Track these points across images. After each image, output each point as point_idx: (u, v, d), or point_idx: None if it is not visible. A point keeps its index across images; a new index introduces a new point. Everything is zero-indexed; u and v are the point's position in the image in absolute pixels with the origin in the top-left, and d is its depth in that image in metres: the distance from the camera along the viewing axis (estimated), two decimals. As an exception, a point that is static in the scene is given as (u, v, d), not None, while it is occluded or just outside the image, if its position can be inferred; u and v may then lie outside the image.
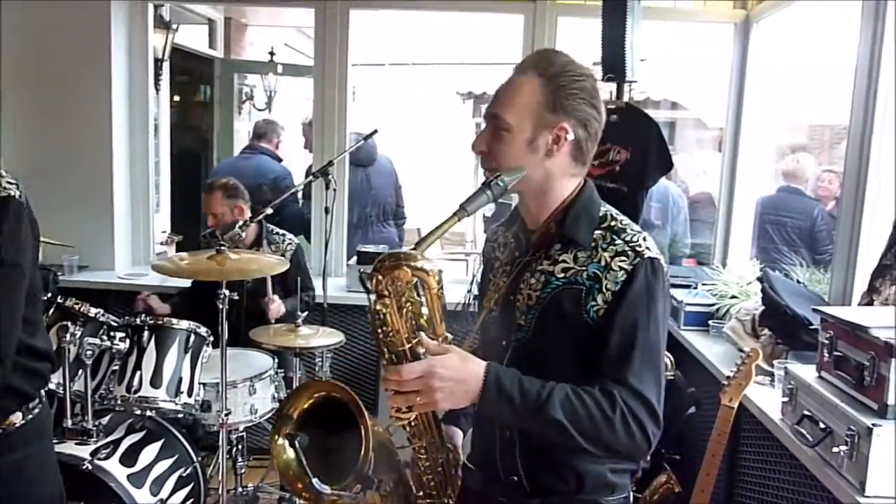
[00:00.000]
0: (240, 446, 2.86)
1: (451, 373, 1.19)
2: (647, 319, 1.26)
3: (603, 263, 1.27)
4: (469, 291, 3.44)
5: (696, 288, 3.17)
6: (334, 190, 3.09)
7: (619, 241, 1.29)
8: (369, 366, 3.63)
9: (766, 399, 2.16)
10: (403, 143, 6.91)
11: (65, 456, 2.20)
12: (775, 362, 2.27)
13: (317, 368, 3.04)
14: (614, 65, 2.95)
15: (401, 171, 4.51)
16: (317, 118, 3.79)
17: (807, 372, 1.89)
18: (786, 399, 1.96)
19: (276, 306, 3.07)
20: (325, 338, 2.79)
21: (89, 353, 2.32)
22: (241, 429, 2.79)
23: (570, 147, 1.30)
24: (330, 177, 3.07)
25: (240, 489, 2.90)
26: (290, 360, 2.92)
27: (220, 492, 2.57)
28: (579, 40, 3.63)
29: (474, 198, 1.21)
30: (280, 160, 4.59)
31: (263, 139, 4.57)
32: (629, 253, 1.27)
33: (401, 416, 1.21)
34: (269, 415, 2.83)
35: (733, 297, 2.90)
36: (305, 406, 1.37)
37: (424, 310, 1.22)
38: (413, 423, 1.32)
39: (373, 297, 1.18)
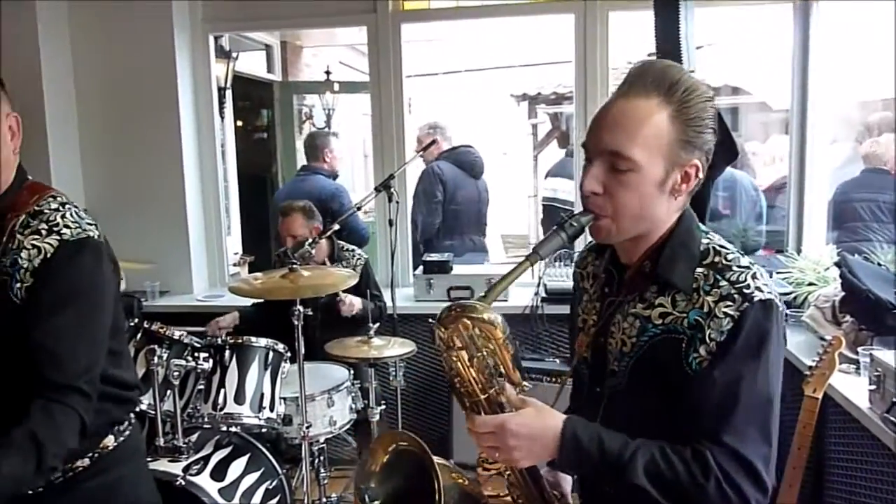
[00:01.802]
0: (321, 457, 2.93)
1: (525, 430, 1.13)
2: (755, 371, 1.11)
3: (706, 310, 1.13)
4: (536, 294, 3.45)
5: (770, 277, 3.08)
6: (397, 202, 3.15)
7: (723, 283, 1.14)
8: (442, 374, 3.64)
9: (852, 388, 2.09)
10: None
11: (159, 473, 2.30)
12: (860, 349, 2.19)
13: (391, 378, 3.09)
14: (669, 55, 2.89)
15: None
16: (375, 133, 3.87)
17: (894, 357, 1.83)
18: (873, 387, 1.90)
19: (349, 301, 3.15)
20: (397, 348, 2.84)
21: (176, 374, 2.43)
22: (321, 440, 2.86)
23: (696, 183, 1.17)
24: (392, 189, 3.13)
25: (324, 499, 2.97)
26: (364, 371, 2.98)
27: (305, 502, 2.64)
28: (630, 32, 3.60)
29: (547, 241, 1.14)
30: (335, 176, 4.70)
31: (314, 157, 4.69)
32: (736, 297, 1.12)
33: (488, 467, 1.19)
34: (348, 426, 2.90)
35: (811, 283, 2.82)
36: (385, 460, 1.32)
37: (496, 359, 1.17)
38: (507, 473, 1.26)
39: (441, 349, 1.15)
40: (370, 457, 1.31)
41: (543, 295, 3.38)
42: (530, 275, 5.81)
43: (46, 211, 1.41)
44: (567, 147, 4.97)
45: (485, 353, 1.16)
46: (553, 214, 4.72)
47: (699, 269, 1.17)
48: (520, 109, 8.45)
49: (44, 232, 1.38)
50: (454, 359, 1.14)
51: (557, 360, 3.29)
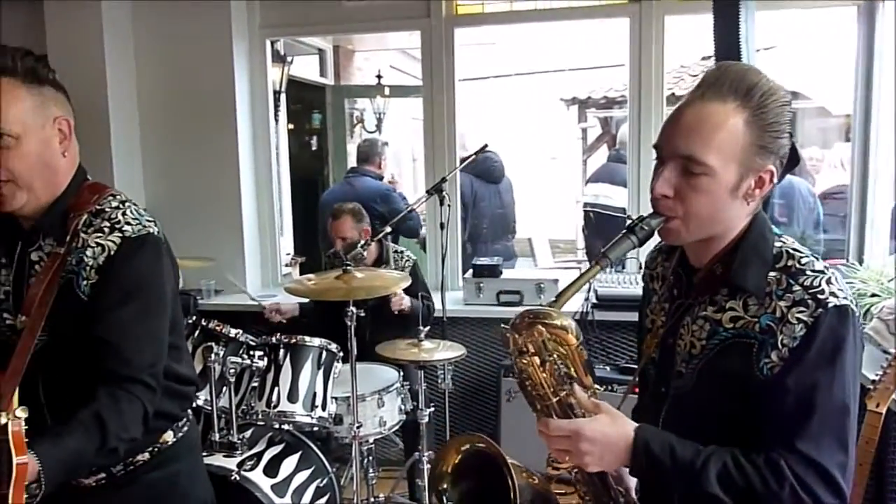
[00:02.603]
0: (370, 457, 2.96)
1: (599, 436, 1.13)
2: (831, 379, 1.09)
3: (778, 315, 1.11)
4: (587, 300, 3.42)
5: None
6: (448, 206, 3.16)
7: (797, 288, 1.12)
8: (490, 377, 3.66)
9: (919, 403, 2.02)
10: (510, 153, 6.94)
11: (214, 468, 2.36)
12: (927, 363, 2.11)
13: (439, 381, 3.11)
14: (728, 58, 2.86)
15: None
16: (427, 137, 3.89)
17: (966, 373, 1.76)
18: (942, 403, 1.83)
19: (401, 294, 3.17)
20: (447, 351, 2.85)
21: (232, 371, 2.49)
22: (370, 441, 2.89)
23: (769, 188, 1.16)
24: (444, 193, 3.14)
25: (371, 499, 3.00)
26: (414, 373, 3.00)
27: (354, 502, 2.68)
28: (684, 35, 3.56)
29: (617, 244, 1.14)
30: (381, 178, 4.76)
31: (366, 162, 4.76)
32: (809, 302, 1.10)
33: (557, 466, 1.20)
34: (397, 427, 2.93)
35: (873, 295, 2.73)
36: (457, 461, 1.34)
37: (568, 363, 1.18)
38: (575, 471, 1.27)
39: (513, 354, 1.15)
40: (441, 459, 1.34)
41: (594, 301, 3.35)
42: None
43: (108, 209, 1.46)
44: (612, 152, 4.90)
45: (556, 358, 1.17)
46: (593, 220, 4.68)
47: (772, 274, 1.15)
48: (569, 113, 8.41)
49: (106, 230, 1.43)
50: (526, 364, 1.15)
51: (608, 368, 3.25)
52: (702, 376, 1.19)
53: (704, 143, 1.11)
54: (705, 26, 2.93)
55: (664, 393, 1.25)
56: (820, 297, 1.10)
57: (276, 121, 4.40)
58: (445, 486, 1.31)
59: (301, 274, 4.73)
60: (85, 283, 1.40)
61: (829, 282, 1.11)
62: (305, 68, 5.99)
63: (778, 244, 1.18)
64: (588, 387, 1.20)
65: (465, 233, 4.32)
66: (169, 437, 1.59)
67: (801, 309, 1.10)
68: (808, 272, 1.13)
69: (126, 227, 1.44)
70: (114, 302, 1.41)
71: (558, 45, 7.66)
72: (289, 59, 4.65)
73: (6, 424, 1.09)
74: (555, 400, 1.18)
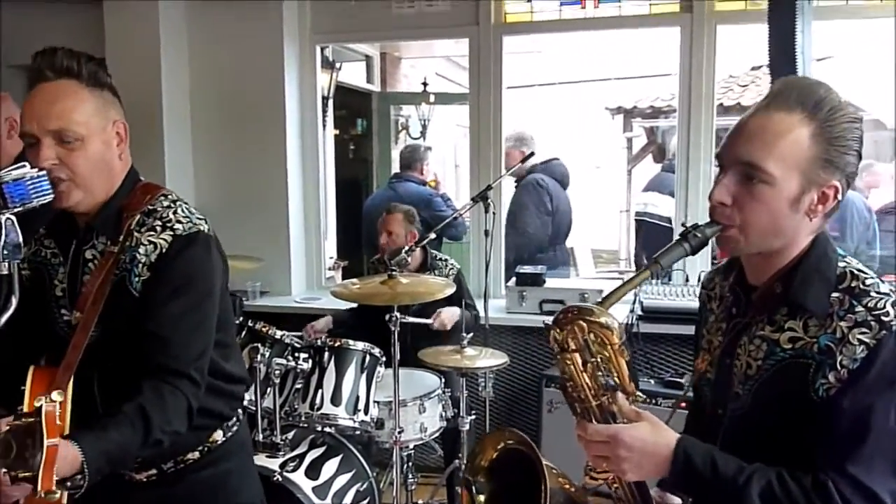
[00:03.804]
0: (409, 463, 2.97)
1: (639, 443, 1.11)
2: (889, 403, 1.07)
3: (838, 335, 1.09)
4: (632, 312, 3.38)
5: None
6: (493, 213, 3.16)
7: (860, 309, 1.09)
8: (531, 387, 3.63)
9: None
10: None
11: (257, 467, 2.38)
12: None
13: (480, 389, 3.10)
14: (784, 70, 2.80)
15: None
16: (472, 144, 3.90)
17: None
18: None
19: (442, 320, 3.16)
20: (489, 359, 2.84)
21: (277, 372, 2.52)
22: (411, 446, 2.89)
23: (833, 206, 1.13)
24: (489, 200, 3.14)
25: (410, 505, 3.00)
26: (455, 380, 3.00)
27: (393, 506, 2.68)
28: (733, 44, 3.50)
29: (669, 251, 1.13)
30: (424, 183, 4.79)
31: (409, 167, 4.79)
32: (872, 324, 1.07)
33: (595, 475, 1.18)
34: (437, 433, 2.92)
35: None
36: (494, 456, 1.33)
37: (610, 365, 1.15)
38: (615, 487, 1.24)
39: (555, 352, 1.14)
40: (480, 451, 1.33)
41: (640, 313, 3.31)
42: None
43: (159, 209, 1.49)
44: (664, 162, 4.85)
45: (599, 360, 1.15)
46: (645, 229, 4.62)
47: (835, 294, 1.12)
48: (614, 123, 8.35)
49: (158, 228, 1.46)
50: (568, 362, 1.14)
51: (652, 381, 3.20)
52: (758, 397, 1.16)
53: (765, 150, 1.10)
54: (754, 35, 2.89)
55: (721, 415, 1.22)
56: (884, 319, 1.07)
57: (324, 126, 4.45)
58: (479, 478, 1.31)
59: (343, 278, 4.77)
60: (137, 279, 1.44)
61: (894, 304, 1.09)
62: (353, 74, 6.06)
63: (842, 264, 1.15)
64: (630, 393, 1.17)
65: (547, 237, 4.33)
66: (219, 436, 1.61)
67: (864, 330, 1.07)
68: (873, 293, 1.10)
69: (177, 226, 1.47)
70: (163, 297, 1.44)
71: (604, 54, 7.61)
72: (337, 65, 4.71)
73: (41, 407, 1.11)
74: (595, 403, 1.16)
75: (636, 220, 4.70)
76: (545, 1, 3.75)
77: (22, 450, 1.10)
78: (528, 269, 3.68)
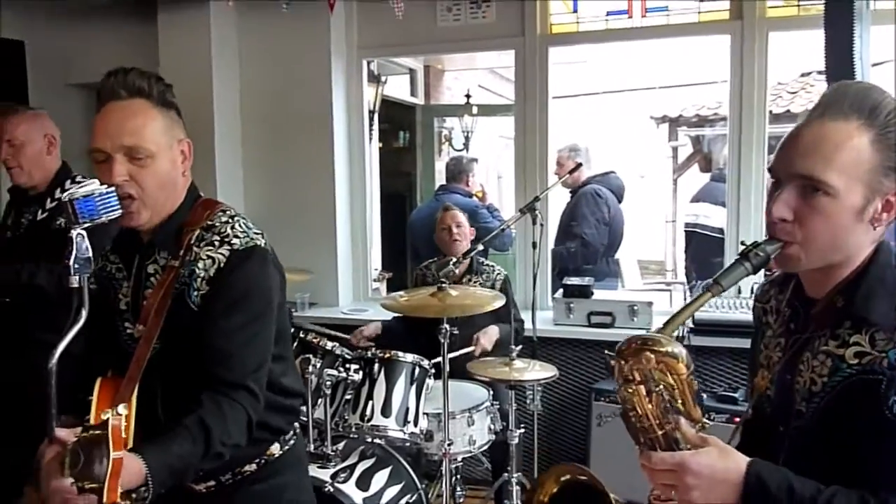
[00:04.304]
0: (457, 476, 2.96)
1: (707, 470, 1.06)
2: None
3: None
4: (683, 325, 3.31)
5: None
6: (541, 225, 3.14)
7: None
8: (580, 400, 3.59)
9: None
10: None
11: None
12: None
13: (528, 402, 3.08)
14: (841, 75, 2.74)
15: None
16: (518, 155, 3.89)
17: None
18: None
19: (482, 347, 3.14)
20: (538, 371, 2.82)
21: (328, 383, 2.53)
22: (459, 459, 2.88)
23: None
24: (536, 212, 3.12)
25: (459, 518, 2.99)
26: (503, 392, 2.98)
27: (443, 519, 2.67)
28: (782, 51, 3.42)
29: (730, 271, 1.09)
30: (471, 195, 4.80)
31: (455, 180, 4.81)
32: None
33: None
34: (486, 446, 2.91)
35: None
36: (555, 490, 1.31)
37: (676, 394, 1.11)
38: None
39: (618, 382, 1.10)
40: (539, 486, 1.30)
41: (691, 326, 3.25)
42: (668, 302, 5.65)
43: (218, 224, 1.52)
44: (715, 171, 4.77)
45: (662, 388, 1.11)
46: (695, 241, 4.54)
47: None
48: (659, 132, 8.25)
49: (216, 243, 1.49)
50: (631, 393, 1.10)
51: (705, 395, 3.14)
52: (823, 415, 1.12)
53: (825, 162, 1.06)
54: (803, 41, 2.82)
55: (782, 433, 1.18)
56: None
57: (370, 139, 4.50)
58: None
59: (388, 289, 4.80)
60: (196, 293, 1.46)
61: None
62: (397, 88, 6.11)
63: None
64: (696, 420, 1.13)
65: (603, 246, 4.31)
66: (275, 449, 1.63)
67: None
68: None
69: (234, 241, 1.49)
70: (221, 311, 1.46)
71: (649, 63, 7.54)
72: (383, 78, 4.76)
73: (108, 420, 1.14)
74: (660, 433, 1.11)
75: (686, 230, 4.62)
76: (591, 11, 3.74)
77: (89, 461, 1.12)
78: (575, 280, 3.65)
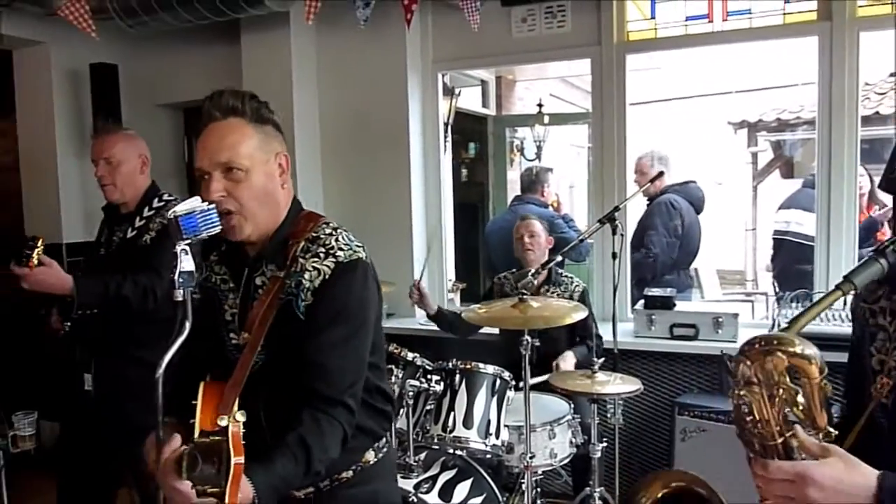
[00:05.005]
0: (538, 489, 2.92)
1: (831, 482, 1.01)
2: None
3: None
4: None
5: None
6: (621, 235, 3.09)
7: None
8: (663, 414, 3.51)
9: None
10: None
11: (392, 488, 2.43)
12: None
13: (609, 415, 3.02)
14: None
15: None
16: (595, 164, 3.85)
17: None
18: None
19: (564, 364, 3.11)
20: (621, 385, 2.77)
21: (410, 393, 2.56)
22: (540, 472, 2.86)
23: None
24: (616, 222, 3.08)
25: (540, 531, 2.95)
26: (585, 405, 2.94)
27: (524, 533, 2.64)
28: (869, 51, 3.27)
29: (863, 268, 1.08)
30: (546, 206, 4.76)
31: (531, 190, 4.78)
32: None
33: None
34: (567, 459, 2.87)
35: None
36: (659, 496, 1.28)
37: (801, 398, 1.06)
38: None
39: (737, 384, 1.07)
40: (643, 490, 1.27)
41: (782, 325, 3.12)
42: (764, 310, 5.45)
43: (322, 236, 1.56)
44: (808, 177, 4.58)
45: (782, 392, 1.07)
46: (784, 248, 4.37)
47: None
48: (737, 137, 8.00)
49: (322, 255, 1.53)
50: (751, 396, 1.07)
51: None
52: None
53: None
54: (892, 41, 2.68)
55: None
56: None
57: (444, 151, 4.53)
58: None
59: (462, 300, 4.81)
60: (302, 304, 1.51)
61: None
62: (468, 99, 6.14)
63: None
64: (820, 428, 1.08)
65: (672, 259, 4.23)
66: (370, 456, 1.66)
67: None
68: None
69: (339, 253, 1.53)
70: (324, 323, 1.49)
71: (727, 67, 7.33)
72: (457, 91, 4.78)
73: (227, 427, 1.16)
74: (779, 440, 1.07)
75: (775, 238, 4.44)
76: (670, 16, 3.67)
77: (208, 466, 1.16)
78: (657, 291, 3.57)
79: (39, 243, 2.42)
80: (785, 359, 1.03)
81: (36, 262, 2.37)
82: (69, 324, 2.68)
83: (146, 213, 2.65)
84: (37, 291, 2.44)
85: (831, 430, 1.07)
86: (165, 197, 2.73)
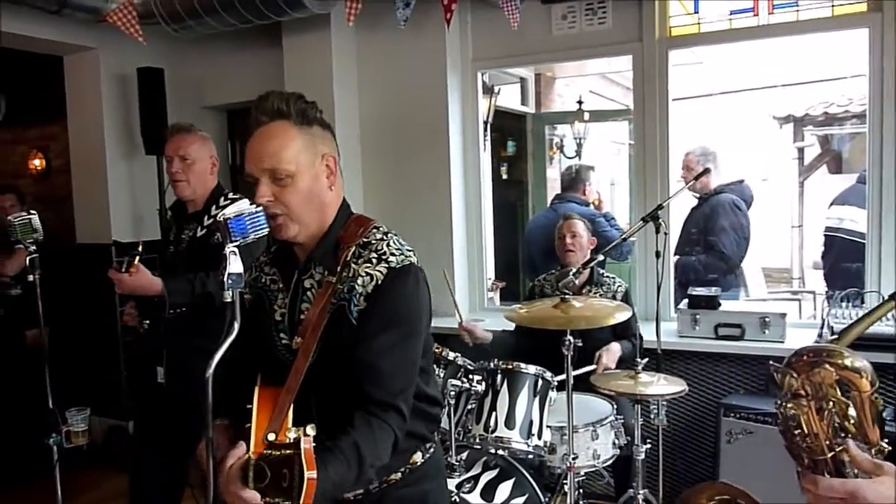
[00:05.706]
0: (580, 490, 2.90)
1: (884, 501, 0.99)
2: None
3: None
4: (820, 337, 3.12)
5: None
6: (665, 233, 3.05)
7: None
8: (708, 416, 3.45)
9: None
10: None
11: (434, 487, 2.44)
12: None
13: (652, 416, 2.99)
14: None
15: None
16: (637, 161, 3.80)
17: None
18: None
19: (608, 357, 3.09)
20: (665, 386, 2.73)
21: (452, 393, 2.56)
22: (582, 473, 2.84)
23: None
24: (660, 220, 3.03)
25: (581, 532, 2.93)
26: (627, 406, 2.91)
27: (567, 534, 2.63)
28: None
29: None
30: (587, 204, 4.72)
31: (572, 188, 4.75)
32: None
33: None
34: (610, 461, 2.84)
35: None
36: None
37: (851, 411, 1.03)
38: None
39: (784, 397, 1.05)
40: (687, 501, 1.25)
41: (830, 338, 3.04)
42: (811, 309, 5.33)
43: (373, 241, 1.57)
44: (861, 172, 4.45)
45: (832, 406, 1.05)
46: (836, 246, 4.25)
47: None
48: (782, 132, 7.81)
49: (374, 260, 1.54)
50: (799, 409, 1.04)
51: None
52: None
53: None
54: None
55: None
56: None
57: (484, 150, 4.52)
58: None
59: (502, 299, 4.80)
60: (355, 309, 1.52)
61: None
62: (507, 97, 6.11)
63: None
64: (872, 443, 1.05)
65: (741, 260, 4.20)
66: (418, 457, 1.67)
67: None
68: None
69: (391, 258, 1.54)
70: (376, 328, 1.50)
71: (771, 61, 7.16)
72: (496, 89, 4.78)
73: (298, 439, 1.15)
74: (829, 455, 1.05)
75: (826, 235, 4.33)
76: (713, 11, 3.60)
77: (277, 479, 1.15)
78: (701, 291, 3.51)
79: (139, 249, 2.50)
80: (834, 371, 1.01)
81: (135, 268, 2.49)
82: (148, 322, 2.77)
83: (213, 211, 2.72)
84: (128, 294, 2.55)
85: (884, 444, 1.04)
86: (231, 196, 2.80)
